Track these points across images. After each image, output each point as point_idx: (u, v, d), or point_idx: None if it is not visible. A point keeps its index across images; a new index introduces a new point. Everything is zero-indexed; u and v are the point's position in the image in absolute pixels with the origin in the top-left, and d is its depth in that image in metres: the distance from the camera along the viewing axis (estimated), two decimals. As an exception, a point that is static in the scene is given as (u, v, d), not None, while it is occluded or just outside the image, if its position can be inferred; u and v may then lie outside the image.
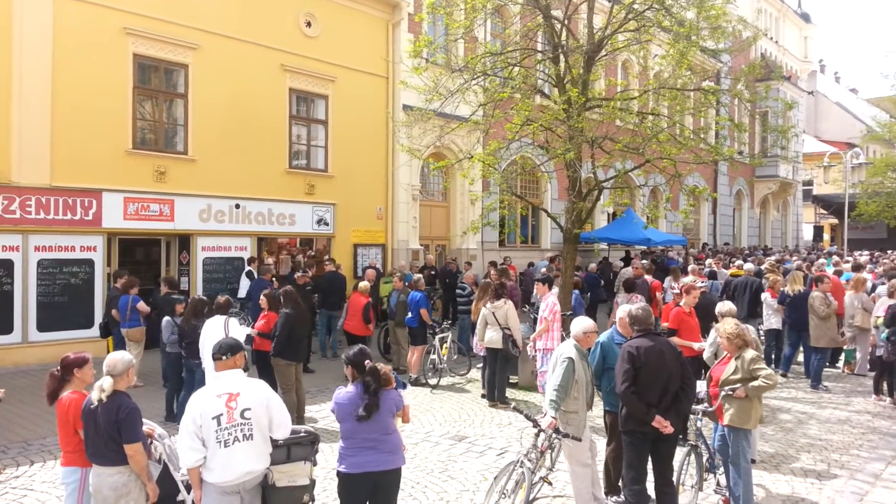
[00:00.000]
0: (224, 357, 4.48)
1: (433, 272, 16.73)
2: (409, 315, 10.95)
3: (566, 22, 11.76)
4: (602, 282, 17.70)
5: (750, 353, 5.60)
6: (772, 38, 37.45)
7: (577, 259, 18.88)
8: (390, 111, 16.80)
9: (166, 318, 8.91)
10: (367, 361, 4.57)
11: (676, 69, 11.54)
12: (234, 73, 14.14)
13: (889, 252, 22.97)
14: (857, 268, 13.58)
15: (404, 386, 5.23)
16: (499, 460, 7.06)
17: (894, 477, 6.83)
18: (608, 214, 23.37)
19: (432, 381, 10.81)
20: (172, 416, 8.48)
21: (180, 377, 8.74)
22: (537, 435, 5.41)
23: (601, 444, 6.39)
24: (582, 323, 5.80)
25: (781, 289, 11.80)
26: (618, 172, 12.94)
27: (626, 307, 5.96)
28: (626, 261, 19.97)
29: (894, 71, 32.10)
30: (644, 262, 17.11)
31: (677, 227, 26.75)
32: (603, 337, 6.24)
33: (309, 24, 15.65)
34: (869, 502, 6.19)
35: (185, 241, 13.78)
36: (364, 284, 11.59)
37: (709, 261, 19.18)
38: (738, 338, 5.67)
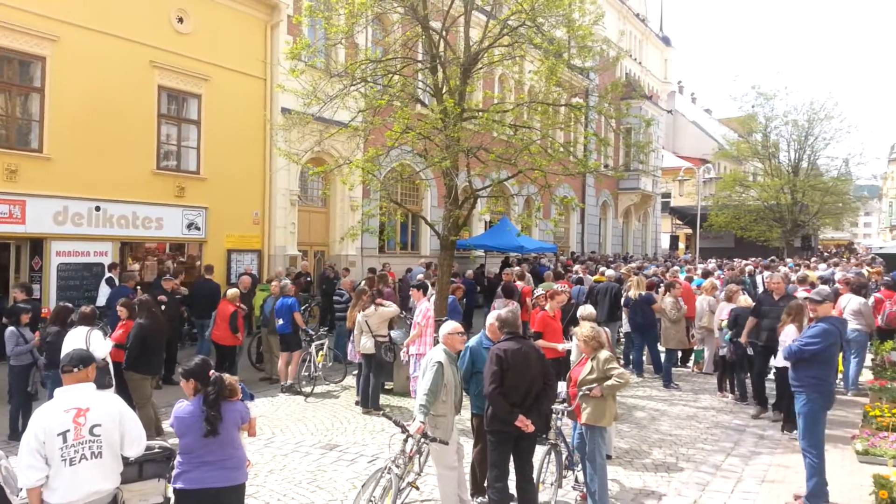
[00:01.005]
0: (74, 369, 4.22)
1: (308, 279, 16.51)
2: (281, 322, 10.77)
3: (444, 34, 12.03)
4: (478, 288, 18.21)
5: (604, 354, 5.97)
6: (635, 59, 40.03)
7: (455, 265, 19.35)
8: (268, 114, 16.40)
9: (10, 329, 8.22)
10: (211, 372, 4.42)
11: (546, 85, 12.10)
12: (98, 67, 13.28)
13: (735, 260, 25.08)
14: (706, 274, 14.80)
15: (251, 397, 5.12)
16: (369, 468, 7.08)
17: (733, 467, 7.49)
18: (485, 222, 24.02)
19: (306, 389, 10.67)
20: (17, 435, 7.84)
21: (26, 392, 8.11)
22: (405, 440, 5.50)
23: (468, 446, 6.58)
24: (448, 326, 5.95)
25: (626, 293, 12.66)
26: (492, 182, 13.39)
27: (496, 312, 6.22)
28: (505, 266, 20.60)
29: (740, 94, 35.01)
30: (516, 268, 17.79)
31: (549, 236, 27.94)
32: (472, 342, 6.43)
33: (181, 20, 14.99)
34: (710, 491, 6.75)
35: (37, 245, 12.76)
36: (233, 292, 11.21)
37: (576, 267, 20.18)
38: (594, 340, 6.04)
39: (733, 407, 10.28)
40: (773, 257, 26.92)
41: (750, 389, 10.29)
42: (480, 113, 12.06)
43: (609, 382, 5.82)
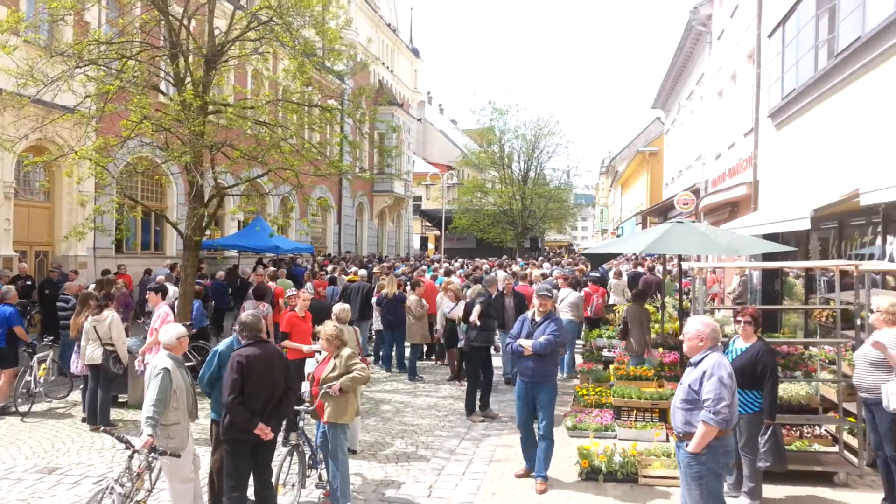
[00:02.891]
0: None
1: (28, 282, 14.50)
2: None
3: (186, 20, 11.36)
4: (230, 290, 17.44)
5: (346, 351, 6.12)
6: (388, 68, 41.41)
7: (205, 267, 18.33)
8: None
9: None
10: None
11: (295, 83, 12.03)
12: None
13: (476, 259, 27.17)
14: (448, 273, 15.82)
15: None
16: (95, 489, 6.44)
17: (465, 451, 8.11)
18: (238, 222, 23.08)
19: (23, 409, 9.38)
20: None
21: None
22: (131, 457, 5.10)
23: (205, 456, 6.31)
24: (173, 329, 5.64)
25: (380, 292, 13.14)
26: (240, 180, 12.96)
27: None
28: (262, 265, 19.97)
29: (479, 108, 38.27)
30: (271, 269, 17.38)
31: (306, 236, 27.73)
32: (222, 345, 6.17)
33: None
34: (444, 475, 7.24)
35: None
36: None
37: (331, 267, 20.32)
38: (337, 338, 6.18)
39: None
40: (505, 256, 29.67)
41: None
42: (225, 107, 11.60)
43: (349, 375, 5.96)
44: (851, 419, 7.12)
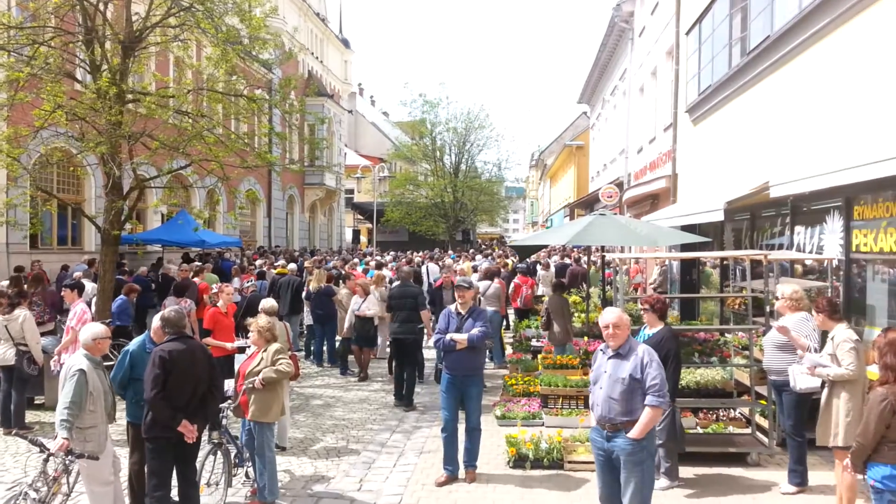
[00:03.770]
0: None
1: (-72, 282, 13.62)
2: None
3: (101, 5, 10.88)
4: (153, 286, 16.86)
5: (274, 346, 6.05)
6: (317, 58, 40.77)
7: (126, 262, 17.63)
8: None
9: None
10: None
11: (218, 72, 11.73)
12: None
13: (408, 252, 27.15)
14: (380, 266, 15.79)
15: None
16: (8, 496, 6.15)
17: (396, 443, 8.14)
18: (162, 215, 22.31)
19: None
20: None
21: None
22: (46, 461, 4.90)
23: (125, 458, 6.12)
24: (91, 329, 5.45)
25: (308, 287, 13.01)
26: (162, 172, 12.55)
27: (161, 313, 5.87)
28: (187, 261, 19.34)
29: (410, 101, 38.13)
30: (196, 264, 16.94)
31: (234, 229, 27.08)
32: (133, 345, 6.00)
33: None
34: (375, 468, 7.25)
35: None
36: None
37: (259, 261, 19.95)
38: (268, 332, 6.10)
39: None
40: (437, 249, 29.82)
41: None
42: (143, 95, 11.19)
43: (272, 368, 5.89)
44: (763, 402, 7.52)
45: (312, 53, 39.38)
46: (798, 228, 9.10)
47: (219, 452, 5.97)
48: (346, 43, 47.20)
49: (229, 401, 6.01)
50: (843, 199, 7.70)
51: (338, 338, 12.77)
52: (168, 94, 11.69)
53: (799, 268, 9.37)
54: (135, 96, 11.32)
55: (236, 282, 14.02)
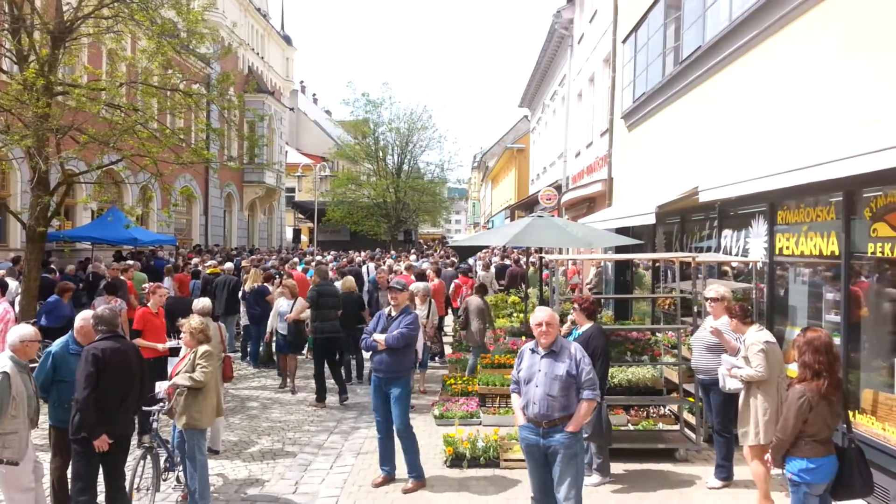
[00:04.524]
0: None
1: None
2: None
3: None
4: (81, 285, 16.22)
5: (202, 349, 5.91)
6: (258, 54, 40.04)
7: (54, 260, 16.89)
8: None
9: None
10: None
11: (152, 65, 11.43)
12: None
13: (350, 252, 26.93)
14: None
15: None
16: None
17: (334, 444, 8.07)
18: (92, 212, 21.49)
19: None
20: None
21: None
22: (-39, 467, 4.68)
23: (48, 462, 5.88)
24: (19, 331, 5.24)
25: (244, 286, 12.79)
26: (91, 167, 12.12)
27: (89, 313, 5.69)
28: (118, 259, 18.68)
29: (352, 100, 37.71)
30: (124, 262, 16.41)
31: (168, 227, 26.33)
32: (56, 346, 5.78)
33: None
34: (311, 470, 7.17)
35: None
36: None
37: (195, 260, 19.48)
38: (201, 333, 5.97)
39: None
40: (379, 249, 29.72)
41: (355, 371, 11.35)
42: (72, 88, 10.80)
43: (184, 374, 5.78)
44: (691, 399, 7.79)
45: (253, 49, 38.67)
46: (725, 232, 9.46)
47: (148, 457, 5.80)
48: (287, 40, 46.52)
49: (161, 404, 5.85)
50: (767, 204, 8.04)
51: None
52: (99, 86, 11.31)
53: (728, 269, 9.75)
54: (64, 88, 10.93)
55: (167, 281, 13.62)
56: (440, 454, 7.35)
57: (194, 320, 6.13)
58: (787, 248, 7.67)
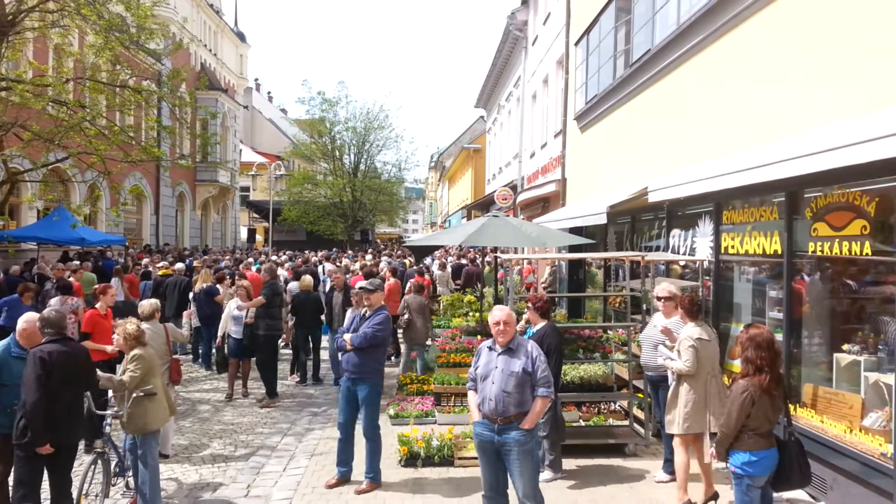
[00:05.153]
0: None
1: None
2: None
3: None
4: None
5: (135, 352, 5.77)
6: (211, 50, 39.33)
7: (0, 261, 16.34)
8: None
9: None
10: None
11: (99, 60, 11.16)
12: None
13: (306, 252, 26.67)
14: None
15: None
16: None
17: (287, 447, 7.99)
18: (38, 211, 20.82)
19: None
20: None
21: None
22: None
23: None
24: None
25: (194, 287, 12.58)
26: (36, 165, 11.76)
27: (32, 316, 5.52)
28: (65, 260, 18.12)
29: (308, 98, 37.19)
30: (73, 263, 15.97)
31: (118, 227, 25.70)
32: (-6, 349, 5.59)
33: None
34: (264, 473, 7.09)
35: None
36: None
37: (145, 260, 19.04)
38: (135, 339, 5.85)
39: (294, 389, 10.99)
40: (335, 249, 29.53)
41: (311, 372, 11.30)
42: (15, 83, 10.46)
43: (105, 378, 5.69)
44: (640, 395, 7.97)
45: (205, 45, 37.98)
46: (674, 231, 9.70)
47: (99, 462, 5.66)
48: (241, 36, 45.81)
49: (114, 408, 5.71)
50: (713, 204, 8.27)
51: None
52: (44, 82, 10.98)
53: (677, 268, 9.99)
54: (7, 84, 10.58)
55: (116, 282, 13.28)
56: (395, 454, 7.34)
57: (130, 325, 5.96)
58: (733, 247, 7.91)
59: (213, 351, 11.78)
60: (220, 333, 10.70)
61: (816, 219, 6.24)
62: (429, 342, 11.15)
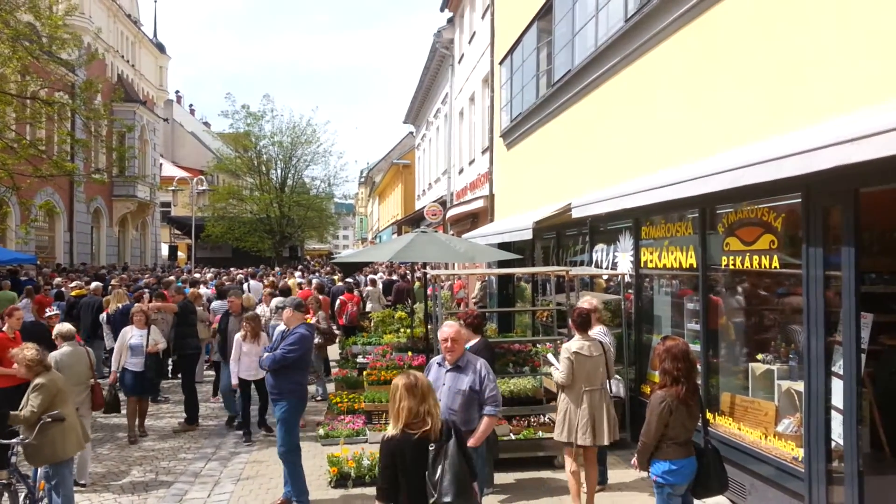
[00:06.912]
0: None
1: None
2: None
3: None
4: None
5: (37, 381, 5.49)
6: (128, 62, 38.02)
7: None
8: None
9: None
10: None
11: (6, 70, 10.63)
12: None
13: (232, 270, 25.98)
14: (194, 283, 15.03)
15: None
16: None
17: (212, 472, 7.73)
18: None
19: None
20: None
21: None
22: None
23: None
24: None
25: (106, 308, 12.09)
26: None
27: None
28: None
29: (232, 112, 36.13)
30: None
31: (28, 245, 24.36)
32: None
33: None
34: (187, 500, 6.86)
35: None
36: None
37: (57, 280, 18.09)
38: (39, 364, 5.59)
39: (220, 410, 10.63)
40: (262, 266, 28.91)
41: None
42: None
43: (14, 414, 5.42)
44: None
45: (123, 56, 36.69)
46: (597, 246, 9.98)
47: (6, 494, 5.32)
48: (161, 47, 44.51)
49: (20, 436, 5.39)
50: (632, 220, 8.57)
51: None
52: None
53: (602, 282, 10.27)
54: None
55: (25, 302, 12.58)
56: (325, 475, 7.22)
57: (29, 351, 5.66)
58: (651, 261, 8.20)
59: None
60: (113, 367, 9.28)
61: (728, 234, 6.53)
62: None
